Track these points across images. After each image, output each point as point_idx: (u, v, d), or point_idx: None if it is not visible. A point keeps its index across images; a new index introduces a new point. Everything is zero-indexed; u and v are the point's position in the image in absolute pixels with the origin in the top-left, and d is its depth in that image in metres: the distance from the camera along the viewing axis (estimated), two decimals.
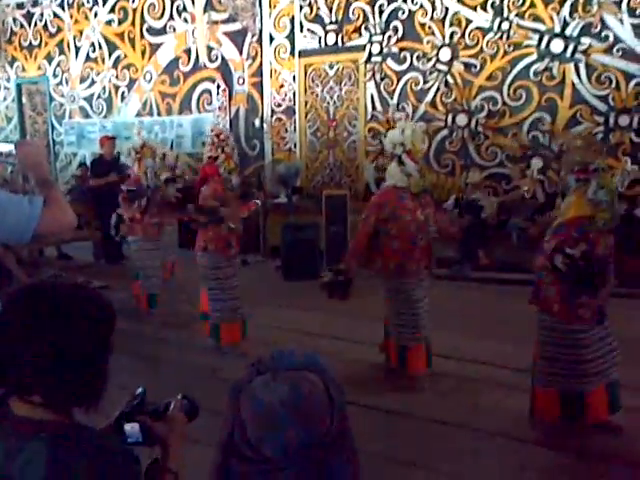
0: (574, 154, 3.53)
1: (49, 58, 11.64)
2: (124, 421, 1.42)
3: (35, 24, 11.71)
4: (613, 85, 7.08)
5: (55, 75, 11.62)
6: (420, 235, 4.07)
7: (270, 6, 9.18)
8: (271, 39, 9.25)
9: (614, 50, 7.03)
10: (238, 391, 1.14)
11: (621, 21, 6.98)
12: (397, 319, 4.14)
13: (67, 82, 11.49)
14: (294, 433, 1.08)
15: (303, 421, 1.08)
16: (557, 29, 7.29)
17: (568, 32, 7.24)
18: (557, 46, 7.30)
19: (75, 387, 1.25)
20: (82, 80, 11.29)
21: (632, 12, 6.90)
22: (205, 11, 9.74)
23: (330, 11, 8.68)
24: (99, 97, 11.14)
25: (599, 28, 7.09)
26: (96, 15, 10.91)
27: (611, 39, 7.04)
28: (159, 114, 10.46)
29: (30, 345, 1.21)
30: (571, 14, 7.21)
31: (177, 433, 1.46)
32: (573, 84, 7.29)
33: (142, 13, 10.40)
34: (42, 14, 11.58)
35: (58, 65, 11.54)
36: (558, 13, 7.27)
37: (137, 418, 1.43)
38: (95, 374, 1.28)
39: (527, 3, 7.41)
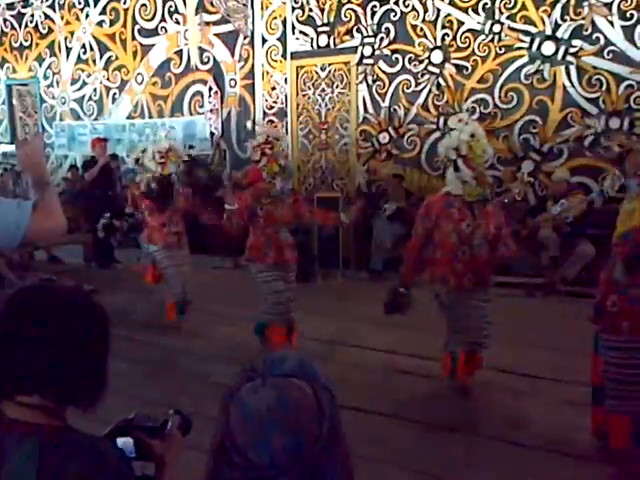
0: (636, 157, 3.29)
1: (40, 59, 11.58)
2: (117, 435, 1.39)
3: (26, 25, 11.65)
4: (604, 88, 7.09)
5: (46, 77, 11.57)
6: (462, 247, 3.84)
7: (262, 8, 9.17)
8: (263, 41, 9.23)
9: (605, 52, 7.04)
10: (229, 397, 1.13)
11: (612, 24, 6.99)
12: (450, 329, 4.01)
13: (58, 84, 11.43)
14: (280, 440, 1.07)
15: (290, 429, 1.07)
16: (548, 31, 7.30)
17: (559, 34, 7.25)
18: (548, 48, 7.31)
19: (75, 384, 1.26)
20: (73, 82, 11.24)
21: (623, 15, 6.92)
22: (197, 12, 9.71)
23: (322, 12, 8.67)
24: (90, 99, 11.09)
25: (590, 30, 7.10)
26: (87, 16, 10.87)
27: (602, 41, 7.05)
28: (150, 116, 10.42)
29: (28, 347, 1.21)
30: (562, 16, 7.23)
31: (175, 452, 1.45)
32: (564, 87, 7.30)
33: (133, 14, 10.37)
34: (33, 15, 11.52)
35: (49, 67, 11.49)
36: (549, 15, 7.28)
37: (132, 433, 1.40)
38: (94, 373, 1.29)
39: (518, 5, 7.42)
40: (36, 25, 11.52)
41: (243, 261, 4.77)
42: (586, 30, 7.12)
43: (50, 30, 11.36)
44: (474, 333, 3.94)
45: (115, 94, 10.78)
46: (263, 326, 4.76)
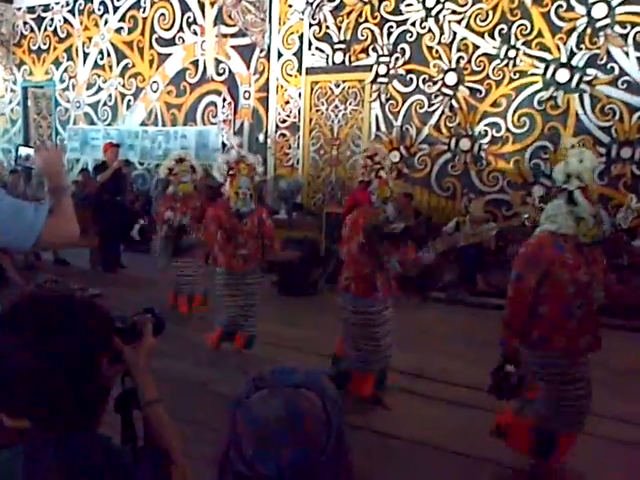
0: None
1: (57, 63, 11.70)
2: None
3: (45, 29, 11.79)
4: (617, 117, 7.11)
5: (62, 80, 11.67)
6: (579, 302, 3.00)
7: (280, 23, 9.25)
8: (279, 55, 9.31)
9: (619, 82, 7.07)
10: (236, 406, 1.13)
11: (627, 54, 7.02)
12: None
13: (73, 88, 11.54)
14: (288, 452, 1.06)
15: (298, 440, 1.06)
16: (563, 59, 7.34)
17: (574, 62, 7.29)
18: (562, 76, 7.35)
19: (68, 410, 1.19)
20: (88, 87, 11.34)
21: (638, 45, 6.95)
22: (215, 24, 9.81)
23: (339, 30, 8.74)
24: (105, 104, 11.18)
25: (605, 60, 7.13)
26: (106, 23, 10.99)
27: (616, 71, 7.08)
28: (164, 124, 10.49)
29: (18, 372, 1.16)
30: (578, 45, 7.26)
31: (146, 355, 1.38)
32: (577, 114, 7.32)
33: (152, 23, 10.47)
34: (52, 19, 11.66)
35: (65, 70, 11.60)
36: (565, 43, 7.32)
37: None
38: (89, 394, 1.22)
39: (534, 32, 7.46)
40: (55, 29, 11.65)
41: (340, 291, 4.17)
42: (601, 59, 7.15)
43: (69, 35, 11.48)
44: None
45: (130, 101, 10.86)
46: (348, 375, 4.16)
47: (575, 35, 7.26)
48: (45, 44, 11.82)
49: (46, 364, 1.16)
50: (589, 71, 7.21)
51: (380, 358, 4.12)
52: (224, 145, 9.77)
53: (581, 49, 7.25)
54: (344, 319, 4.15)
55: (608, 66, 7.12)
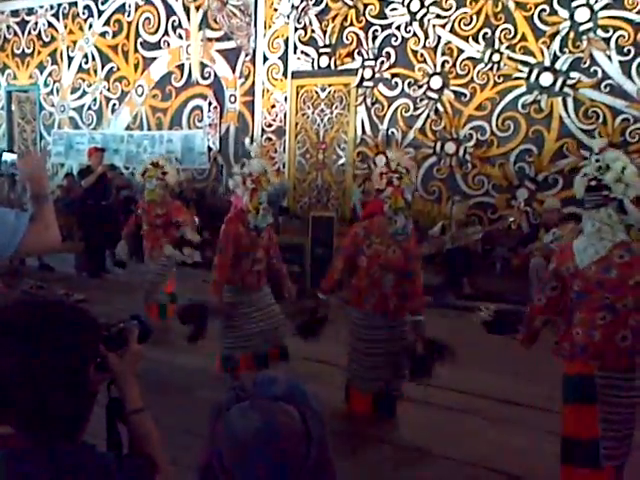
0: None
1: (41, 67, 11.62)
2: None
3: (29, 32, 11.71)
4: (600, 120, 7.16)
5: (46, 84, 11.60)
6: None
7: (265, 26, 9.25)
8: (265, 59, 9.30)
9: (602, 86, 7.13)
10: (216, 415, 1.12)
11: (609, 58, 7.09)
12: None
13: (58, 92, 11.47)
14: (266, 465, 1.06)
15: (275, 454, 1.06)
16: (547, 63, 7.39)
17: (557, 66, 7.34)
18: (546, 79, 7.40)
19: (55, 416, 1.19)
20: (73, 90, 11.27)
21: (620, 50, 7.01)
22: (200, 28, 9.79)
23: (324, 34, 8.76)
24: (89, 108, 11.12)
25: (588, 64, 7.19)
26: (91, 27, 10.94)
27: (599, 75, 7.14)
28: (149, 128, 10.45)
29: (7, 370, 1.15)
30: (561, 49, 7.32)
31: (131, 363, 1.38)
32: (560, 117, 7.37)
33: (137, 27, 10.44)
34: (36, 23, 11.59)
35: (50, 75, 11.53)
36: (548, 47, 7.37)
37: None
38: (76, 400, 1.22)
39: (518, 36, 7.51)
40: (39, 33, 11.58)
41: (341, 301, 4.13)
42: (584, 63, 7.20)
43: (53, 38, 11.42)
44: None
45: (115, 105, 10.81)
46: (346, 389, 4.15)
47: (558, 39, 7.32)
48: (29, 48, 11.74)
49: (33, 370, 1.15)
50: (572, 75, 7.26)
51: (372, 378, 3.96)
52: (209, 149, 9.75)
53: (564, 53, 7.31)
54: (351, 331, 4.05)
55: (591, 70, 7.18)
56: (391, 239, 3.82)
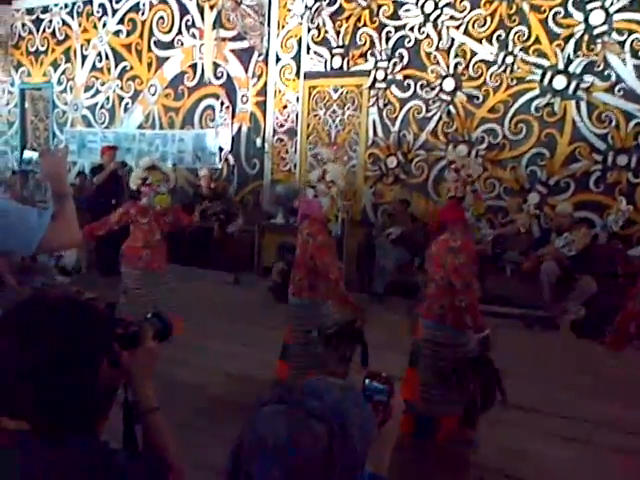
0: None
1: (55, 65, 11.69)
2: None
3: (43, 30, 11.78)
4: (613, 124, 7.12)
5: (60, 82, 11.67)
6: None
7: (278, 27, 9.26)
8: (277, 59, 9.31)
9: (616, 89, 7.08)
10: (256, 409, 1.11)
11: (624, 61, 7.04)
12: None
13: (71, 90, 11.53)
14: (279, 475, 1.05)
15: (290, 470, 1.05)
16: (560, 66, 7.35)
17: (571, 69, 7.30)
18: (560, 82, 7.35)
19: (67, 412, 1.20)
20: (86, 89, 11.33)
21: (635, 53, 6.97)
22: (214, 28, 9.81)
23: (337, 35, 8.75)
24: (102, 107, 11.18)
25: (602, 67, 7.15)
26: (105, 25, 10.99)
27: (613, 78, 7.09)
28: (161, 127, 10.49)
29: (20, 366, 1.17)
30: (575, 52, 7.28)
31: (147, 364, 1.39)
32: (573, 121, 7.33)
33: (151, 26, 10.48)
34: (51, 21, 11.66)
35: (63, 73, 11.60)
36: (562, 50, 7.33)
37: None
38: (88, 396, 1.23)
39: (532, 39, 7.47)
40: (53, 31, 11.65)
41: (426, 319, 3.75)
42: (598, 66, 7.16)
43: (67, 37, 11.48)
44: None
45: (127, 103, 10.86)
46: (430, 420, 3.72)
47: (572, 42, 7.27)
48: (43, 46, 11.81)
49: (45, 366, 1.17)
50: (586, 78, 7.22)
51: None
52: (221, 149, 9.77)
53: (578, 56, 7.26)
54: (422, 350, 3.71)
55: (605, 73, 7.14)
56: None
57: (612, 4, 7.04)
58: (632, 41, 6.97)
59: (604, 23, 7.09)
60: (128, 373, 1.37)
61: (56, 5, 11.55)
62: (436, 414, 3.62)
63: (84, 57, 11.33)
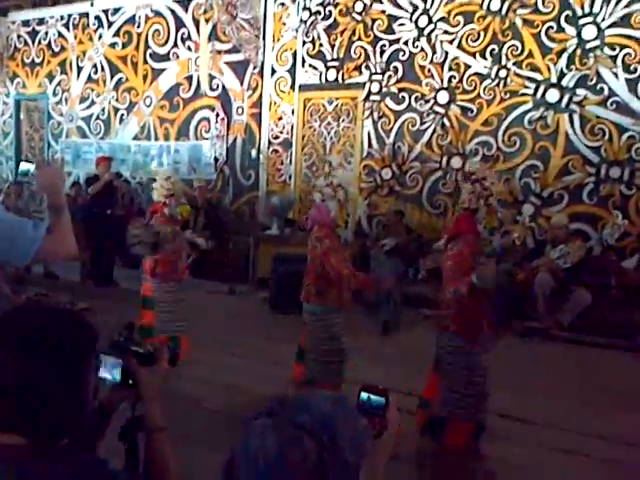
0: None
1: (50, 76, 11.71)
2: (106, 354, 1.37)
3: (39, 42, 11.81)
4: (606, 137, 7.19)
5: (55, 94, 11.69)
6: None
7: (274, 40, 9.32)
8: (272, 72, 9.37)
9: (608, 103, 7.15)
10: (247, 422, 1.11)
11: (616, 75, 7.12)
12: None
13: (66, 101, 11.55)
14: None
15: None
16: (553, 79, 7.42)
17: (564, 83, 7.37)
18: (553, 96, 7.43)
19: (59, 421, 1.20)
20: (82, 100, 11.35)
21: (627, 67, 7.05)
22: (209, 40, 9.87)
23: (332, 48, 8.82)
24: (97, 118, 11.19)
25: (595, 81, 7.22)
26: (100, 37, 11.03)
27: (606, 92, 7.17)
28: (156, 139, 10.51)
29: (6, 378, 1.17)
30: (568, 65, 7.36)
31: (158, 385, 1.42)
32: (566, 134, 7.40)
33: (146, 38, 10.53)
34: (47, 33, 11.70)
35: (59, 84, 11.62)
36: (555, 64, 7.41)
37: (122, 356, 1.38)
38: (78, 406, 1.23)
39: (525, 53, 7.55)
40: (49, 43, 11.68)
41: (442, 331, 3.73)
42: (591, 80, 7.24)
43: (63, 48, 11.51)
44: None
45: (123, 115, 10.88)
46: (442, 422, 3.78)
47: (565, 56, 7.36)
48: (39, 57, 11.84)
49: (29, 378, 1.17)
50: (579, 91, 7.30)
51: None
52: (216, 160, 9.79)
53: (571, 70, 7.34)
54: (443, 358, 3.72)
55: (598, 87, 7.21)
56: (487, 259, 3.66)
57: (604, 19, 7.13)
58: (624, 55, 7.05)
59: (596, 38, 7.18)
60: (141, 389, 1.39)
61: (52, 17, 11.59)
62: (449, 416, 3.68)
63: (80, 69, 11.35)
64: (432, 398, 3.77)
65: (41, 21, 11.74)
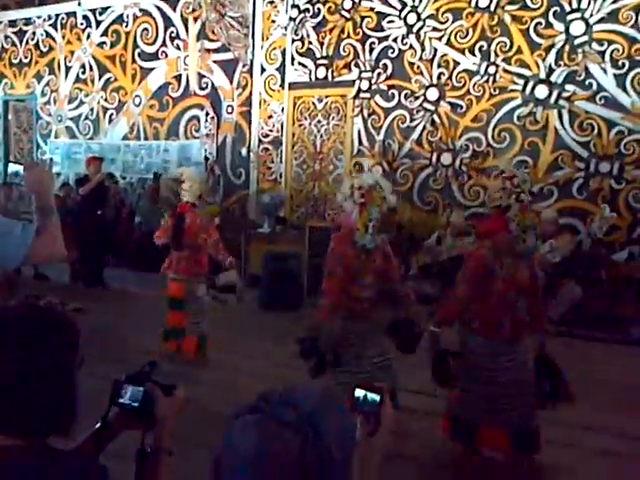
0: None
1: (38, 77, 11.65)
2: (128, 382, 1.45)
3: (27, 42, 11.75)
4: (595, 132, 7.22)
5: (43, 94, 11.62)
6: None
7: (263, 38, 9.31)
8: (262, 70, 9.35)
9: (597, 98, 7.19)
10: (234, 418, 1.10)
11: (604, 71, 7.15)
12: None
13: (55, 101, 11.49)
14: None
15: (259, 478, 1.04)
16: (542, 75, 7.45)
17: (553, 79, 7.40)
18: (542, 92, 7.46)
19: (45, 418, 1.21)
20: (70, 100, 11.29)
21: (615, 63, 7.09)
22: (198, 39, 9.84)
23: (321, 46, 8.82)
24: (86, 118, 11.14)
25: (583, 76, 7.26)
26: (89, 37, 10.98)
27: (594, 87, 7.20)
28: (146, 138, 10.47)
29: None
30: (556, 61, 7.39)
31: (176, 413, 1.50)
32: (556, 129, 7.43)
33: (135, 38, 10.48)
34: (34, 33, 11.63)
35: (47, 84, 11.56)
36: (544, 60, 7.44)
37: (145, 384, 1.45)
38: (64, 401, 1.24)
39: (514, 49, 7.58)
40: (37, 43, 11.62)
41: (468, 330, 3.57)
42: (579, 76, 7.27)
43: (51, 48, 11.45)
44: None
45: (112, 115, 10.83)
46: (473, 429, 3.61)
47: (554, 52, 7.39)
48: (27, 58, 11.77)
49: (12, 379, 1.17)
50: (568, 87, 7.33)
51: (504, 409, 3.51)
52: (206, 159, 9.77)
53: (559, 65, 7.37)
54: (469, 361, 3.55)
55: (586, 82, 7.25)
56: (519, 259, 3.51)
57: (592, 15, 7.17)
58: (612, 51, 7.09)
59: (584, 34, 7.21)
60: (160, 416, 1.46)
61: (39, 17, 11.53)
62: (474, 420, 3.52)
63: (68, 69, 11.30)
64: (458, 402, 3.60)
65: (28, 21, 11.67)
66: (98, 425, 1.44)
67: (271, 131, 9.32)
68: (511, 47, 7.60)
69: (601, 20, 7.13)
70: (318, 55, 8.85)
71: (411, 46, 8.19)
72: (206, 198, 5.30)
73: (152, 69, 10.34)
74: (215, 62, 9.75)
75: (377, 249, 3.78)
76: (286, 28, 9.07)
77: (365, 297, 3.77)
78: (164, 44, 10.21)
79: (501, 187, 3.61)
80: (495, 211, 3.64)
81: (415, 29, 8.15)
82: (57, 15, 11.31)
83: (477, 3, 7.76)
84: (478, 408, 3.49)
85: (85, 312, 6.39)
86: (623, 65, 7.05)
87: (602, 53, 7.15)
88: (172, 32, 10.11)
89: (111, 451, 1.47)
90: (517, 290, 3.46)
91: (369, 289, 3.78)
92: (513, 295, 3.45)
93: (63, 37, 11.30)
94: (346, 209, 3.92)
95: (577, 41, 7.25)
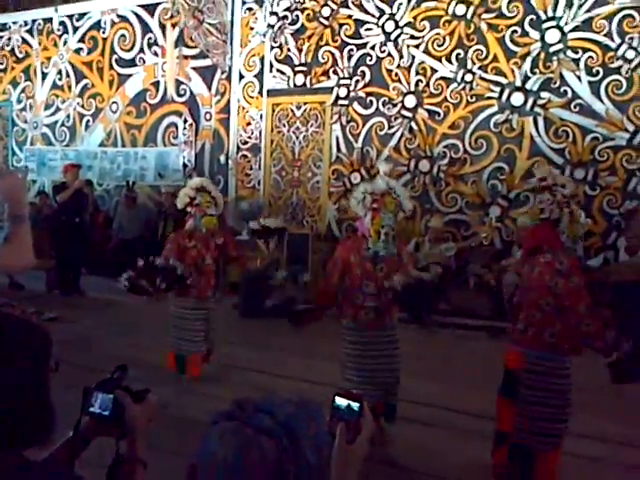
0: None
1: (14, 83, 11.54)
2: (98, 390, 1.41)
3: (2, 48, 11.63)
4: (570, 139, 7.30)
5: (19, 100, 11.51)
6: None
7: (241, 45, 9.31)
8: (240, 77, 9.34)
9: (572, 105, 7.28)
10: (212, 424, 1.09)
11: (579, 78, 7.25)
12: None
13: (31, 108, 11.37)
14: None
15: None
16: (518, 83, 7.53)
17: (528, 86, 7.49)
18: (517, 99, 7.54)
19: (19, 427, 1.18)
20: (46, 107, 11.19)
21: (589, 70, 7.18)
22: (176, 46, 9.81)
23: (300, 53, 8.83)
24: (63, 125, 11.04)
25: (558, 84, 7.35)
26: (65, 43, 10.90)
27: (569, 95, 7.29)
28: (123, 145, 10.40)
29: None
30: (532, 69, 7.47)
31: (147, 422, 1.46)
32: (531, 136, 7.51)
33: (112, 44, 10.43)
34: (10, 39, 11.52)
35: (23, 91, 11.45)
36: (519, 68, 7.52)
37: (114, 391, 1.41)
38: (35, 410, 1.21)
39: (490, 57, 7.65)
40: (13, 49, 11.51)
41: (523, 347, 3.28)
42: (554, 83, 7.36)
43: (27, 55, 11.35)
44: None
45: (89, 121, 10.75)
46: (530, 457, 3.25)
47: (529, 59, 7.47)
48: (2, 64, 11.65)
49: None
50: (543, 94, 7.41)
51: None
52: (185, 166, 9.72)
53: (535, 73, 7.46)
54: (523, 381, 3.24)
55: (561, 90, 7.34)
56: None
57: (567, 23, 7.27)
58: (587, 58, 7.19)
59: (559, 42, 7.31)
60: (132, 424, 1.42)
61: (15, 23, 11.42)
62: (532, 446, 3.19)
63: (44, 75, 11.20)
64: (510, 431, 3.26)
65: (4, 27, 11.56)
66: (70, 434, 1.41)
67: (250, 138, 9.31)
68: (487, 55, 7.67)
69: (576, 28, 7.23)
70: (296, 62, 8.86)
71: (389, 54, 8.24)
72: (205, 210, 5.00)
73: (130, 75, 10.28)
74: (193, 69, 9.73)
75: (389, 258, 3.70)
76: (265, 35, 9.08)
77: (368, 306, 3.68)
78: (142, 50, 10.17)
79: (550, 200, 3.36)
80: (543, 224, 3.40)
81: (393, 37, 8.20)
82: (34, 21, 11.22)
83: (454, 11, 7.83)
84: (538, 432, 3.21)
85: (61, 320, 6.31)
86: (597, 73, 7.15)
87: (577, 61, 7.25)
88: (150, 38, 10.07)
89: (86, 459, 1.44)
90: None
91: (373, 298, 3.69)
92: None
93: (39, 43, 11.20)
94: (359, 214, 3.82)
95: (552, 49, 7.35)
